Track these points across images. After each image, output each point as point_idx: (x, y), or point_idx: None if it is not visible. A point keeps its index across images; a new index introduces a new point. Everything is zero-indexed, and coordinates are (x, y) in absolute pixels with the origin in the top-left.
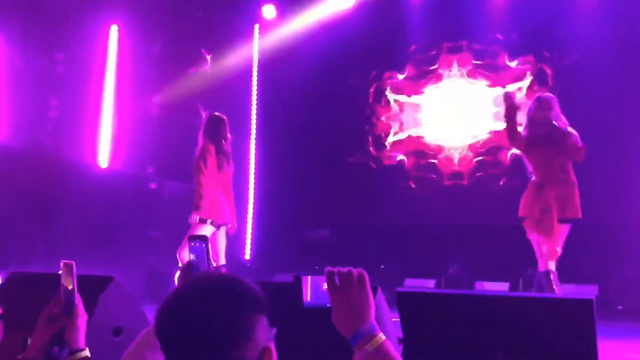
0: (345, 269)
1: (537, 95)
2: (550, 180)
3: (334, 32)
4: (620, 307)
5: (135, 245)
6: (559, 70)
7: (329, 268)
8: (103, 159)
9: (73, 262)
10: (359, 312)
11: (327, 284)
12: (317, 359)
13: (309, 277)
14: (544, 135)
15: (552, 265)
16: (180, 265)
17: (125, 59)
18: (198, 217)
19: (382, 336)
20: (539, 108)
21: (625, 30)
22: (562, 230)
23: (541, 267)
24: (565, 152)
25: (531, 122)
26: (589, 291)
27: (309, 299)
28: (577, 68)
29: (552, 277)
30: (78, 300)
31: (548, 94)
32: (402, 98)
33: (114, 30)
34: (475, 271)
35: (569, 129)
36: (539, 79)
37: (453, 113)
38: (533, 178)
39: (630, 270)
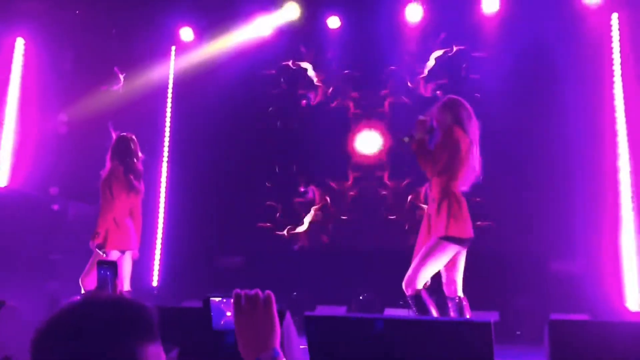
0: (252, 292)
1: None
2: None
3: (252, 57)
4: (518, 333)
5: (36, 270)
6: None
7: (236, 290)
8: (2, 177)
9: None
10: (263, 336)
11: (234, 306)
12: None
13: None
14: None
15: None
16: (82, 292)
17: (32, 73)
18: (97, 245)
19: None
20: (437, 111)
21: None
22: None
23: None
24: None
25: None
26: (490, 317)
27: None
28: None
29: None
30: None
31: (450, 96)
32: None
33: (19, 44)
34: (387, 297)
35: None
36: None
37: (366, 141)
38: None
39: (527, 297)
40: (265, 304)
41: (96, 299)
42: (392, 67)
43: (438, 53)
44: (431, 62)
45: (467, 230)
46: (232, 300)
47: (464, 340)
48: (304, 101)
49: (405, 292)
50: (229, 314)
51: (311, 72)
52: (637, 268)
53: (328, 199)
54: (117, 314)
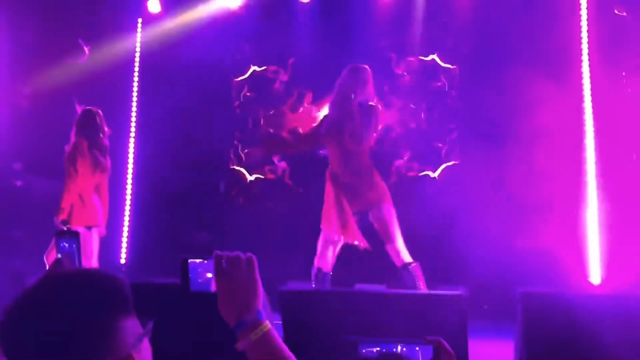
0: (233, 253)
1: (350, 65)
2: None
3: (220, 29)
4: (486, 307)
5: None
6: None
7: (217, 251)
8: None
9: None
10: (245, 298)
11: (214, 268)
12: (205, 344)
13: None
14: (345, 114)
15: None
16: (47, 268)
17: None
18: (61, 220)
19: (267, 324)
20: (350, 80)
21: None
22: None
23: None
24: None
25: (338, 95)
26: (459, 290)
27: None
28: None
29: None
30: None
31: (363, 65)
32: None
33: None
34: (355, 274)
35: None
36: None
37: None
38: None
39: (492, 273)
40: (247, 266)
41: (66, 274)
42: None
43: (409, 30)
44: (403, 40)
45: None
46: (212, 262)
47: (436, 313)
48: (274, 77)
49: (397, 263)
50: (208, 275)
51: (281, 47)
52: (599, 243)
53: (296, 172)
54: (91, 289)
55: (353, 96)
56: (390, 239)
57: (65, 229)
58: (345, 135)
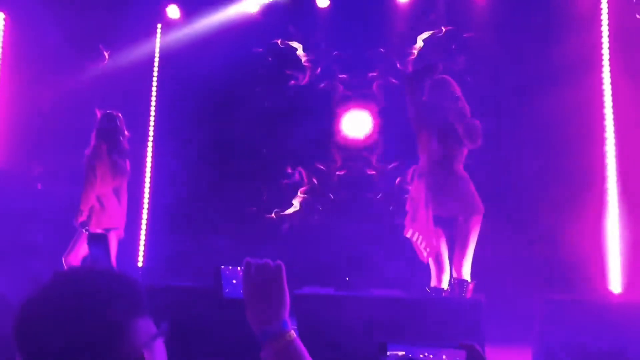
0: (262, 261)
1: (434, 78)
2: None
3: (239, 35)
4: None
5: (18, 249)
6: None
7: (247, 259)
8: None
9: None
10: (271, 307)
11: (243, 275)
12: (228, 350)
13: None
14: (438, 117)
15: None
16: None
17: (14, 50)
18: (80, 223)
19: (292, 334)
20: (436, 90)
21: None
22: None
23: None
24: (461, 135)
25: (427, 104)
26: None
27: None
28: None
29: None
30: None
31: (446, 76)
32: None
33: (0, 19)
34: (371, 281)
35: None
36: None
37: (354, 123)
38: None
39: (513, 281)
40: (275, 274)
41: (77, 273)
42: (382, 49)
43: (427, 34)
44: (420, 44)
45: None
46: (241, 268)
47: (454, 318)
48: (292, 82)
49: (454, 273)
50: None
51: (300, 52)
52: (620, 250)
53: (315, 180)
54: (102, 288)
55: (453, 100)
56: (464, 252)
57: (84, 231)
58: (453, 140)
